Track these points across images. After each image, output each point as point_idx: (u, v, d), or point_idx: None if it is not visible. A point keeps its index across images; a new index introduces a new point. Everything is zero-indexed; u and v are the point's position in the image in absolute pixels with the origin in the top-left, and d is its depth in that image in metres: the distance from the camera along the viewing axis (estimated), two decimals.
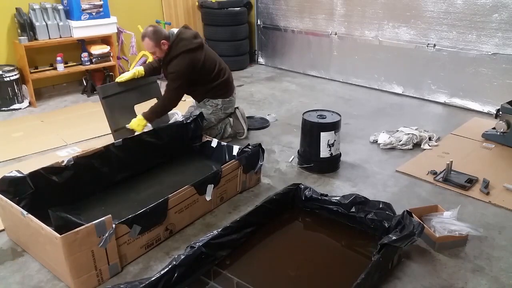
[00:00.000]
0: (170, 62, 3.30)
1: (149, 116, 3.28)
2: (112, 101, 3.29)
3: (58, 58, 4.61)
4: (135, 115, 3.43)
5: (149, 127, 3.29)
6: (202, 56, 3.34)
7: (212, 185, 2.58)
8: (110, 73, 4.99)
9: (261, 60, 6.32)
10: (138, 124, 3.25)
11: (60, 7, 4.51)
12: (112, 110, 3.28)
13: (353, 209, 2.43)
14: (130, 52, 5.17)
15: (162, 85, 3.68)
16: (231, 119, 3.66)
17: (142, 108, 3.50)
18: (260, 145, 2.91)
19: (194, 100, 3.68)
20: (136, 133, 3.19)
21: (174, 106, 3.38)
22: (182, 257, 1.93)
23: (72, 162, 2.58)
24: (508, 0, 3.89)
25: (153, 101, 3.59)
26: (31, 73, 4.49)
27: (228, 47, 5.61)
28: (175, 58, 3.26)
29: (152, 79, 3.58)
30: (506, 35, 3.98)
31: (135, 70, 3.41)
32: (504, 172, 3.07)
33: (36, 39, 4.43)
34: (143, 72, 3.43)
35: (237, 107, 3.73)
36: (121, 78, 3.34)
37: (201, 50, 3.35)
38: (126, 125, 3.27)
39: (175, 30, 3.35)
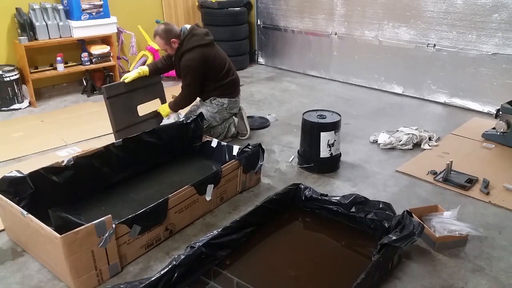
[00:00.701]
0: (182, 56, 3.35)
1: (172, 106, 3.49)
2: (116, 101, 3.29)
3: (58, 58, 4.61)
4: (138, 115, 3.43)
5: (175, 116, 3.49)
6: (213, 52, 3.42)
7: (212, 185, 2.58)
8: (110, 73, 4.99)
9: (261, 60, 6.32)
10: (164, 110, 3.50)
11: (60, 7, 4.51)
12: (116, 110, 3.28)
13: (353, 209, 2.43)
14: (130, 52, 5.17)
15: (165, 86, 3.69)
16: (235, 119, 3.67)
17: (144, 108, 3.50)
18: (260, 145, 2.91)
19: (197, 99, 3.68)
20: (163, 122, 3.46)
21: (193, 101, 3.57)
22: (182, 257, 1.93)
23: (72, 162, 2.58)
24: (508, 0, 3.89)
25: (156, 101, 3.59)
26: (31, 73, 4.49)
27: (228, 47, 5.57)
28: (188, 52, 3.32)
29: (156, 79, 3.58)
30: (506, 35, 3.98)
31: (140, 69, 3.41)
32: (504, 172, 3.07)
33: (36, 39, 4.43)
34: (148, 72, 3.44)
35: (241, 108, 3.74)
36: (127, 78, 3.34)
37: (212, 47, 3.43)
38: (157, 110, 3.52)
39: (188, 26, 3.41)
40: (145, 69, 3.43)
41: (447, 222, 2.35)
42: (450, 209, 2.47)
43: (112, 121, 3.28)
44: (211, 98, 3.55)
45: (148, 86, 3.50)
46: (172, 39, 3.31)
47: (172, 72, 3.70)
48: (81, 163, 2.64)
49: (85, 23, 4.61)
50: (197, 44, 3.31)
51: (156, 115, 3.55)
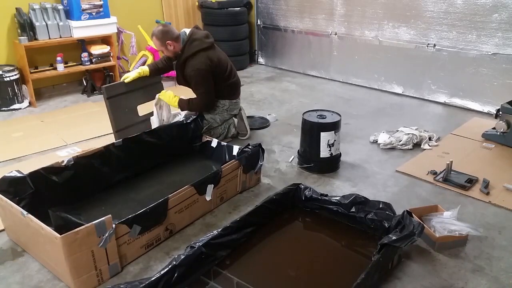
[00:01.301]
0: (185, 62, 3.32)
1: (182, 104, 3.37)
2: (116, 101, 3.29)
3: (58, 58, 4.61)
4: (137, 115, 3.43)
5: (179, 116, 3.37)
6: (215, 54, 3.39)
7: (212, 185, 2.58)
8: (110, 73, 4.99)
9: (261, 60, 6.32)
10: (171, 99, 3.35)
11: (60, 7, 4.51)
12: (116, 110, 3.28)
13: (353, 209, 2.43)
14: (130, 52, 5.17)
15: (165, 86, 3.69)
16: (235, 120, 3.67)
17: (144, 108, 3.50)
18: (260, 145, 2.91)
19: None
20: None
21: (211, 107, 3.47)
22: (182, 257, 1.93)
23: (72, 162, 2.58)
24: (508, 0, 3.89)
25: None
26: (31, 73, 4.49)
27: (228, 47, 5.58)
28: (191, 57, 3.29)
29: (156, 79, 3.58)
30: (506, 35, 3.98)
31: (140, 69, 3.41)
32: (504, 172, 3.07)
33: (36, 39, 4.43)
34: (148, 72, 3.43)
35: (241, 108, 3.73)
36: (127, 78, 3.34)
37: (213, 49, 3.40)
38: (157, 94, 3.36)
39: (187, 30, 3.37)
40: (145, 69, 3.42)
41: (447, 222, 2.35)
42: (450, 209, 2.47)
43: (112, 121, 3.28)
44: None
45: (148, 86, 3.50)
46: (168, 41, 3.26)
47: (173, 72, 3.69)
48: (81, 163, 2.64)
49: (85, 23, 4.60)
50: (199, 49, 3.28)
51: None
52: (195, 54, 3.28)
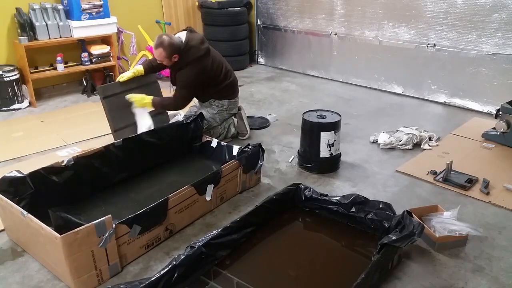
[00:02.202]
0: (180, 69, 3.32)
1: (156, 103, 3.35)
2: (112, 101, 3.29)
3: (58, 58, 4.61)
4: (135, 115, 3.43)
5: (148, 122, 3.33)
6: (210, 61, 3.37)
7: (212, 185, 2.58)
8: (110, 73, 4.99)
9: (261, 60, 6.32)
10: (142, 100, 3.31)
11: (60, 7, 4.50)
12: (113, 110, 3.28)
13: (353, 209, 2.43)
14: (130, 52, 5.17)
15: (162, 86, 3.68)
16: (235, 119, 3.67)
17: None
18: (260, 145, 2.91)
19: (196, 101, 3.68)
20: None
21: (181, 109, 3.53)
22: (182, 257, 1.93)
23: (72, 162, 2.58)
24: (508, 0, 3.89)
25: None
26: (31, 73, 4.49)
27: (228, 47, 5.61)
28: (185, 66, 3.28)
29: (152, 79, 3.58)
30: (506, 35, 3.98)
31: (135, 69, 3.42)
32: (504, 172, 3.07)
33: (36, 39, 4.42)
34: (143, 71, 3.43)
35: (241, 108, 3.73)
36: (122, 77, 3.35)
37: (208, 55, 3.38)
38: (126, 96, 3.31)
39: (183, 37, 3.29)
40: (140, 69, 3.43)
41: (447, 222, 2.35)
42: (450, 209, 2.47)
43: (110, 121, 3.28)
44: (211, 100, 3.55)
45: (144, 85, 3.50)
46: (175, 55, 3.22)
47: (168, 71, 3.68)
48: (81, 163, 2.63)
49: (85, 23, 4.60)
50: (194, 58, 3.25)
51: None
52: (190, 64, 3.26)
